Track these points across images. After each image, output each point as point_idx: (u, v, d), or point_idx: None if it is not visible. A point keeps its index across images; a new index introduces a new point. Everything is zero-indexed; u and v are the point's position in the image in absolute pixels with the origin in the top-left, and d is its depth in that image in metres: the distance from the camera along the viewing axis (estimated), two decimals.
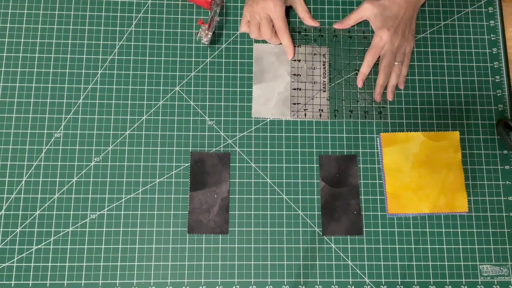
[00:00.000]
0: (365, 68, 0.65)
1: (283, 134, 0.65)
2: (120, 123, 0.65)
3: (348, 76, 0.67)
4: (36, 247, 0.61)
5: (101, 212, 0.62)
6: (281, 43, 0.66)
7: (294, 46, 0.67)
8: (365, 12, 0.65)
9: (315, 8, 0.70)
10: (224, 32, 0.68)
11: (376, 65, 0.67)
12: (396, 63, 0.65)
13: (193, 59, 0.67)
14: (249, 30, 0.66)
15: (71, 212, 0.62)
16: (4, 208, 0.61)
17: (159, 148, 0.64)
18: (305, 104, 0.66)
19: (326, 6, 0.70)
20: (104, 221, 0.61)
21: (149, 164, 0.63)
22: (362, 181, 0.64)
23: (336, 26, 0.68)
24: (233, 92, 0.66)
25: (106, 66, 0.66)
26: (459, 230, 0.63)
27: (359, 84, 0.66)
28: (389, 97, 0.66)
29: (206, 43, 0.65)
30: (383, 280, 0.61)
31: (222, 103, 0.66)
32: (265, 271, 0.61)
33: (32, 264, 0.60)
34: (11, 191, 0.62)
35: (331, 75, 0.67)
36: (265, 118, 0.66)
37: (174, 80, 0.66)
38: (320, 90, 0.67)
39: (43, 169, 0.63)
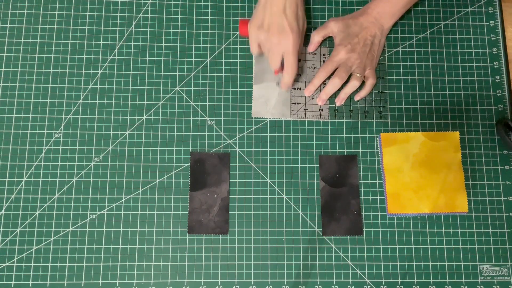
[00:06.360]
0: (316, 80, 0.65)
1: (283, 134, 0.65)
2: (120, 123, 0.65)
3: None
4: (36, 247, 0.61)
5: (101, 212, 0.62)
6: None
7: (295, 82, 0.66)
8: (330, 28, 0.65)
9: (315, 8, 0.70)
10: (224, 32, 0.68)
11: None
12: (358, 75, 0.64)
13: (193, 59, 0.67)
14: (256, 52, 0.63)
15: (71, 212, 0.62)
16: (4, 208, 0.61)
17: (159, 148, 0.64)
18: (305, 104, 0.66)
19: (326, 6, 0.70)
20: (104, 221, 0.61)
21: (149, 164, 0.63)
22: (362, 181, 0.64)
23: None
24: (233, 92, 0.66)
25: (106, 66, 0.66)
26: (459, 230, 0.63)
27: (306, 93, 0.66)
28: (337, 102, 0.66)
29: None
30: (383, 280, 0.61)
31: (222, 103, 0.66)
32: (265, 271, 0.61)
33: (32, 264, 0.60)
34: (11, 191, 0.62)
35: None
36: (265, 118, 0.66)
37: (174, 80, 0.66)
38: (320, 90, 0.67)
39: (43, 169, 0.63)
